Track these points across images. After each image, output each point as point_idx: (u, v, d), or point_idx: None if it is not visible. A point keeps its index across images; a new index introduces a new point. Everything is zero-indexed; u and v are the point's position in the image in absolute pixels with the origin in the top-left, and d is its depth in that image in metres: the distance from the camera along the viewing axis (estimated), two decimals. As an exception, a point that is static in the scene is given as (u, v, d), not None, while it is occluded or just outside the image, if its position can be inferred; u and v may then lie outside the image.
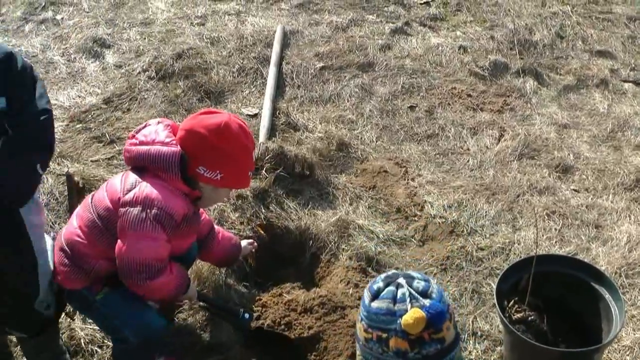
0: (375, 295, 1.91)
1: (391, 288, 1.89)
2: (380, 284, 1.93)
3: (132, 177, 2.80)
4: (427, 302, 1.83)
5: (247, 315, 3.43)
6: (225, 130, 2.77)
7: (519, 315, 3.20)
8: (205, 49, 6.29)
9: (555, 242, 4.20)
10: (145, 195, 2.69)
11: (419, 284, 1.89)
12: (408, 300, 1.84)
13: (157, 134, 2.81)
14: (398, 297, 1.86)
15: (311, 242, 4.10)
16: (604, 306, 3.17)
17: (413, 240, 4.24)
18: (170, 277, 2.88)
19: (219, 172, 2.80)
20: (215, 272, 3.74)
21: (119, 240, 2.74)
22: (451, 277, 3.93)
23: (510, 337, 3.18)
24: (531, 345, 2.98)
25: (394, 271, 2.00)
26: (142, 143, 2.81)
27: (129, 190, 2.73)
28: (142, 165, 2.80)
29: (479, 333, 3.57)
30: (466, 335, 3.55)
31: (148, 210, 2.68)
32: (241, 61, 6.08)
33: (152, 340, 3.05)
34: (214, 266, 3.71)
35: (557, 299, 3.34)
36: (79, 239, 2.84)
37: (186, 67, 5.91)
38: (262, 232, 4.04)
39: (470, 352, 3.48)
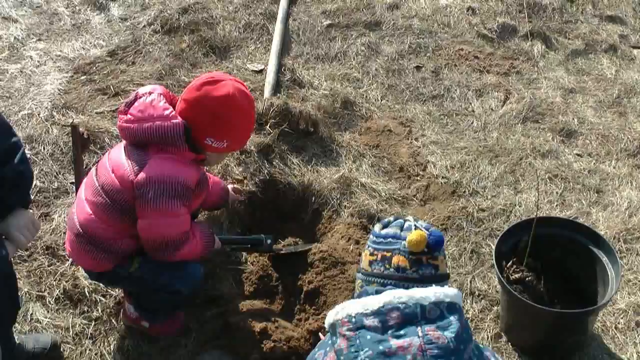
0: (385, 225, 2.20)
1: (399, 220, 2.20)
2: (391, 218, 2.22)
3: (137, 153, 2.79)
4: (429, 230, 2.12)
5: (269, 241, 3.59)
6: (231, 102, 2.81)
7: (516, 275, 3.24)
8: (212, 3, 6.23)
9: (556, 205, 4.22)
10: (158, 174, 2.71)
11: (423, 223, 2.18)
12: (413, 227, 2.13)
13: (153, 108, 2.78)
14: (405, 226, 2.16)
15: (313, 198, 4.12)
16: (600, 269, 3.21)
17: (415, 199, 4.26)
18: (195, 241, 2.97)
19: (225, 141, 2.87)
20: (216, 223, 3.77)
21: (140, 220, 2.79)
22: (451, 237, 3.96)
23: (507, 297, 3.22)
24: (527, 305, 3.03)
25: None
26: (138, 120, 2.78)
27: (139, 170, 2.73)
28: (143, 142, 2.79)
29: (477, 293, 3.61)
30: (464, 295, 3.59)
31: (164, 188, 2.71)
32: (247, 17, 6.04)
33: (198, 289, 3.25)
34: (211, 220, 3.77)
35: (555, 262, 3.38)
36: (98, 225, 2.86)
37: (192, 21, 5.86)
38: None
39: (467, 311, 3.52)
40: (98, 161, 3.14)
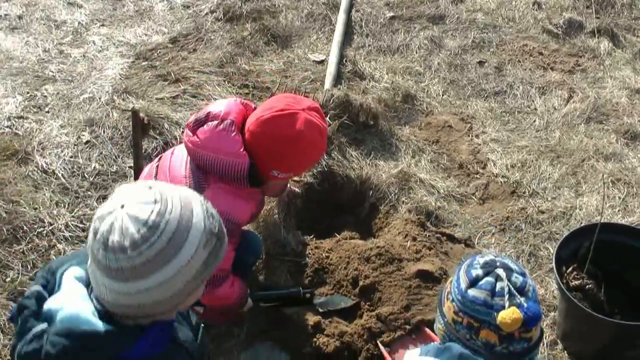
0: (473, 283, 1.90)
1: (490, 279, 1.88)
2: (479, 272, 1.91)
3: (198, 174, 2.73)
4: (524, 301, 1.84)
5: (307, 294, 3.36)
6: (301, 139, 2.72)
7: (576, 282, 3.19)
8: (275, -9, 6.26)
9: (619, 210, 4.13)
10: (216, 203, 2.64)
11: (517, 280, 1.88)
12: (507, 296, 1.83)
13: (223, 140, 2.68)
14: (497, 290, 1.86)
15: (371, 192, 4.12)
16: (664, 281, 3.13)
17: (473, 197, 4.22)
18: (233, 289, 2.95)
19: (291, 172, 2.83)
20: (271, 214, 3.80)
21: None
22: (509, 238, 3.92)
23: (566, 304, 3.17)
24: (587, 314, 2.98)
25: (491, 257, 1.97)
26: (205, 147, 2.68)
27: (193, 188, 2.68)
28: (200, 167, 2.74)
29: (534, 296, 3.56)
30: (520, 298, 3.55)
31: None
32: (310, 6, 6.04)
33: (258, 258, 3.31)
34: (269, 211, 3.78)
35: (616, 270, 3.31)
36: None
37: (254, 9, 5.90)
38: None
39: (523, 314, 3.48)
40: (161, 157, 3.04)
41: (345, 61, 5.26)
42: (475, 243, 3.89)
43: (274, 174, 2.79)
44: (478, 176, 4.38)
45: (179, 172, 2.78)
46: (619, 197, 4.23)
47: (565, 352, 3.32)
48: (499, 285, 1.86)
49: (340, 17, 5.77)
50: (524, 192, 4.24)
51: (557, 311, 3.42)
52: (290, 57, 5.35)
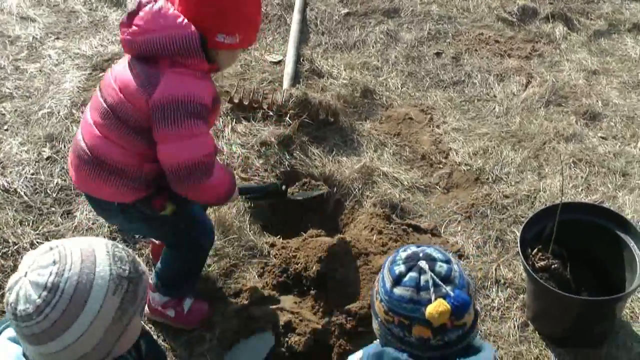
0: (397, 281, 1.85)
1: (413, 274, 1.83)
2: (402, 268, 1.86)
3: (147, 70, 2.57)
4: (450, 290, 1.80)
5: (284, 187, 3.64)
6: None
7: (542, 263, 3.20)
8: (229, -5, 6.21)
9: (581, 190, 4.16)
10: (176, 92, 2.52)
11: (442, 268, 1.84)
12: (432, 289, 1.79)
13: (164, 17, 2.54)
14: (421, 284, 1.81)
15: (335, 189, 4.10)
16: (628, 255, 3.15)
17: (438, 187, 4.23)
18: (224, 172, 2.84)
19: (237, 35, 2.63)
20: (239, 219, 3.77)
21: (161, 146, 2.59)
22: (475, 224, 3.92)
23: (533, 285, 3.18)
24: (554, 293, 2.99)
25: (413, 248, 1.92)
26: (146, 31, 2.54)
27: (154, 88, 2.52)
28: (152, 55, 2.57)
29: (502, 281, 3.57)
30: (489, 283, 3.56)
31: (184, 107, 2.52)
32: (265, 7, 6.00)
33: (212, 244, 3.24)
34: (236, 214, 3.76)
35: (581, 248, 3.32)
36: (113, 149, 2.67)
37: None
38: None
39: (492, 299, 3.48)
40: (99, 84, 2.81)
41: (303, 60, 5.24)
42: (442, 232, 3.89)
43: (221, 40, 2.61)
44: (441, 166, 4.39)
45: (127, 78, 2.60)
46: (582, 177, 4.26)
47: (537, 332, 3.32)
48: (422, 278, 1.82)
49: (295, 17, 5.75)
50: (488, 179, 4.25)
51: (525, 293, 3.43)
52: (248, 60, 5.31)
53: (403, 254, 1.90)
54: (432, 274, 1.82)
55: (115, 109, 2.62)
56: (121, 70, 2.65)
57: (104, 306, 1.62)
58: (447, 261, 1.87)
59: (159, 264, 3.19)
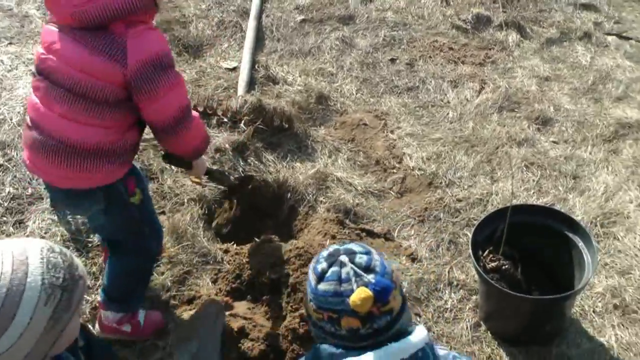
0: (320, 277, 1.88)
1: (335, 269, 1.86)
2: (324, 265, 1.89)
3: (104, 39, 2.44)
4: (371, 277, 1.83)
5: (232, 178, 3.75)
6: None
7: (493, 264, 3.22)
8: (184, 2, 6.19)
9: (533, 192, 4.21)
10: (149, 51, 2.48)
11: (361, 259, 1.87)
12: (353, 279, 1.82)
13: None
14: (343, 277, 1.84)
15: (289, 194, 4.10)
16: (577, 254, 3.19)
17: (391, 192, 4.24)
18: (196, 115, 2.82)
19: None
20: (192, 225, 3.74)
21: (148, 108, 2.56)
22: (429, 228, 3.94)
23: (485, 286, 3.20)
24: (505, 293, 3.01)
25: (334, 247, 1.96)
26: (87, 2, 2.40)
27: (124, 56, 2.43)
28: (104, 23, 2.44)
29: (455, 283, 3.59)
30: (442, 285, 3.57)
31: (161, 64, 2.50)
32: (220, 14, 6.00)
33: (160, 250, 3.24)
34: (190, 220, 3.73)
35: (532, 249, 3.36)
36: (93, 134, 2.57)
37: (164, 20, 5.80)
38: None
39: (446, 301, 3.50)
40: (42, 71, 2.62)
41: (258, 67, 5.24)
42: (395, 236, 3.90)
43: None
44: (395, 171, 4.40)
45: (84, 55, 2.47)
46: (533, 180, 4.31)
47: (489, 332, 3.34)
48: (344, 271, 1.85)
49: (251, 24, 5.75)
50: (441, 183, 4.28)
51: (478, 294, 3.45)
52: (203, 67, 5.29)
53: (325, 253, 1.94)
54: (353, 266, 1.85)
55: (83, 92, 2.50)
56: (72, 50, 2.50)
57: (34, 318, 1.58)
58: (367, 252, 1.90)
59: (105, 281, 3.12)
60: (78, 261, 1.76)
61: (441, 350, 1.97)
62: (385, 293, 1.82)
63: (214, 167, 3.90)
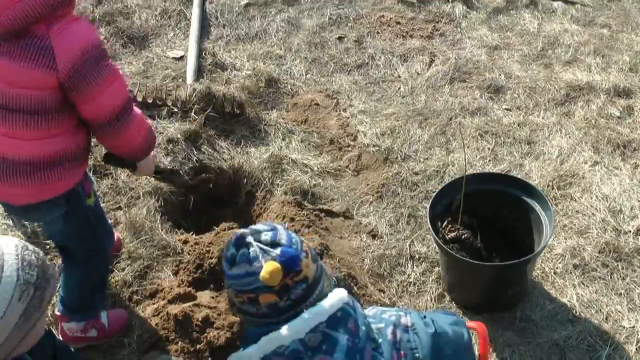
0: (232, 262, 1.90)
1: (243, 250, 1.89)
2: (233, 250, 1.92)
3: (27, 45, 2.27)
4: (277, 251, 1.85)
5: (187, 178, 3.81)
6: None
7: (452, 235, 3.23)
8: (126, -8, 6.07)
9: (489, 160, 4.22)
10: (76, 51, 2.32)
11: (267, 236, 1.90)
12: (260, 256, 1.85)
13: None
14: (251, 256, 1.86)
15: (245, 180, 4.05)
16: (535, 218, 3.21)
17: (348, 170, 4.22)
18: (141, 114, 2.71)
19: None
20: (150, 219, 3.68)
21: (88, 106, 2.44)
22: (387, 203, 3.93)
23: (445, 257, 3.21)
24: (465, 262, 3.02)
25: (241, 230, 1.97)
26: (10, 3, 2.22)
27: (51, 58, 2.28)
28: (24, 27, 2.27)
29: (417, 256, 3.59)
30: (404, 260, 3.57)
31: (94, 57, 2.37)
32: (163, 3, 5.88)
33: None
34: (147, 213, 3.67)
35: (491, 217, 3.37)
36: (43, 146, 2.46)
37: (107, 12, 5.68)
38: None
39: (408, 275, 3.50)
40: None
41: (205, 54, 5.16)
42: (355, 214, 3.88)
43: None
44: (350, 149, 4.38)
45: (10, 66, 2.31)
46: (488, 148, 4.33)
47: (453, 302, 3.35)
48: (251, 251, 1.86)
49: (195, 11, 5.65)
50: (397, 158, 4.27)
51: (440, 266, 3.45)
52: (149, 57, 5.19)
53: (233, 238, 1.95)
54: (259, 244, 1.87)
55: (19, 106, 2.37)
56: None
57: (7, 312, 1.58)
58: (272, 229, 1.93)
59: (62, 293, 3.04)
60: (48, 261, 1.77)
61: (370, 311, 2.03)
62: (293, 262, 1.85)
63: (163, 166, 3.83)
